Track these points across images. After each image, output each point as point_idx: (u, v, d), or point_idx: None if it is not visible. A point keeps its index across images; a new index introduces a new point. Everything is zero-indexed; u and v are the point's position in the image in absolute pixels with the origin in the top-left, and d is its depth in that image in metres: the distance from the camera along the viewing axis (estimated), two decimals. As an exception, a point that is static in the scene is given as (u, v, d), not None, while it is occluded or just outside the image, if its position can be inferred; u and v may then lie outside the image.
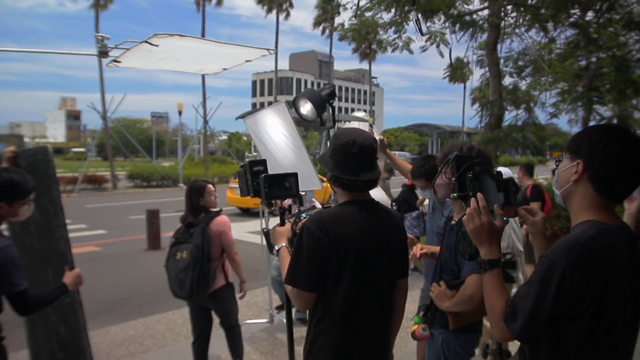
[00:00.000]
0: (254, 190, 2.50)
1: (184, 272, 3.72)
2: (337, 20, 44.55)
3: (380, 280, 2.19)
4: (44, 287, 3.08)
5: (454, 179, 1.82)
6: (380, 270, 2.17)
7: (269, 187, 2.40)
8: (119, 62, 3.67)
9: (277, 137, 4.31)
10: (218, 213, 4.01)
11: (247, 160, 2.79)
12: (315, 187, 4.19)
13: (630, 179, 1.56)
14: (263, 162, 2.55)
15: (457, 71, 43.64)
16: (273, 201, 2.49)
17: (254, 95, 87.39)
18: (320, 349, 2.14)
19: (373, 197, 2.29)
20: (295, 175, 2.47)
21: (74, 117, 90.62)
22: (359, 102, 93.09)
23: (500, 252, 1.73)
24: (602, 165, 1.53)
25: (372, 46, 43.01)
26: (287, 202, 2.63)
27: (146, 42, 3.21)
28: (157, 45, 3.25)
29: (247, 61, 3.93)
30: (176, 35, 3.11)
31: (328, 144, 4.23)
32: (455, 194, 1.82)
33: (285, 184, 2.44)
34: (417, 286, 4.30)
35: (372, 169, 2.17)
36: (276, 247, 2.40)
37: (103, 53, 3.45)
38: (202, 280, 3.74)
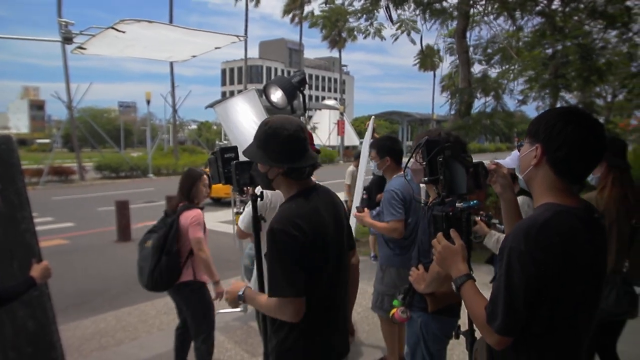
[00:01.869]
0: (225, 177, 2.47)
1: (143, 261, 3.65)
2: (307, 8, 44.32)
3: (344, 258, 2.19)
4: (10, 280, 3.00)
5: (424, 163, 1.83)
6: (343, 249, 2.18)
7: (240, 174, 2.38)
8: (84, 48, 3.57)
9: (248, 125, 4.28)
10: (194, 206, 3.86)
11: (217, 147, 2.76)
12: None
13: (588, 160, 1.59)
14: (234, 149, 2.52)
15: (428, 59, 43.99)
16: (245, 188, 2.47)
17: (223, 84, 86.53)
18: (298, 338, 2.04)
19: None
20: None
21: (37, 107, 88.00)
22: (329, 90, 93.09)
23: (467, 267, 1.76)
24: (560, 148, 1.55)
25: (342, 34, 42.90)
26: (259, 188, 2.61)
27: (112, 28, 3.12)
28: (123, 32, 3.17)
29: (216, 48, 3.87)
30: (144, 22, 3.03)
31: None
32: (426, 178, 1.84)
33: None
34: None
35: (308, 153, 2.08)
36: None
37: (67, 39, 3.37)
38: (158, 272, 3.62)
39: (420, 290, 2.52)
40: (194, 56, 4.23)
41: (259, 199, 2.47)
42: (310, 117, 36.91)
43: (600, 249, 1.61)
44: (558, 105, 11.25)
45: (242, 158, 2.50)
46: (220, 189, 13.39)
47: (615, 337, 3.30)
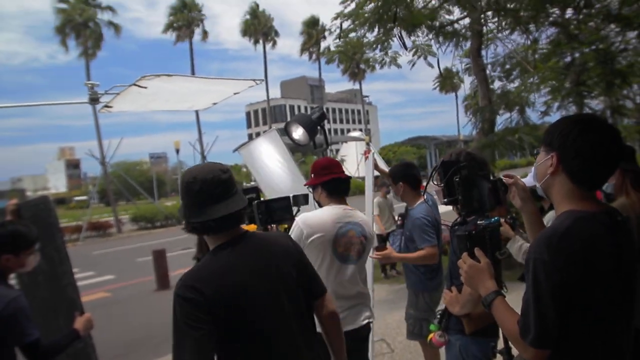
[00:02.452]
0: (249, 217, 2.52)
1: None
2: (324, 44, 45.19)
3: (286, 317, 1.96)
4: (55, 335, 3.09)
5: (442, 184, 1.86)
6: (282, 306, 1.94)
7: (263, 213, 2.42)
8: (110, 107, 3.76)
9: (272, 164, 4.37)
10: None
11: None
12: (314, 208, 4.22)
13: (604, 166, 1.58)
14: (255, 190, 2.59)
15: (447, 80, 44.03)
16: (269, 226, 2.51)
17: (249, 126, 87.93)
18: None
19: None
20: (287, 198, 2.50)
21: (73, 166, 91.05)
22: (353, 122, 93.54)
23: (495, 284, 1.73)
24: (576, 157, 1.55)
25: (360, 66, 43.44)
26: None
27: (135, 84, 3.29)
28: (145, 87, 3.33)
29: (235, 93, 4.01)
30: (163, 76, 3.18)
31: None
32: (445, 199, 1.86)
33: (278, 208, 2.46)
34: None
35: (221, 205, 1.87)
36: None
37: (94, 100, 3.54)
38: None
39: (455, 312, 2.50)
40: (214, 103, 4.38)
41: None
42: (337, 151, 37.12)
43: (627, 251, 1.58)
44: (584, 112, 11.16)
45: (266, 197, 2.58)
46: (252, 229, 13.51)
47: None
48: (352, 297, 3.09)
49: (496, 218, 1.84)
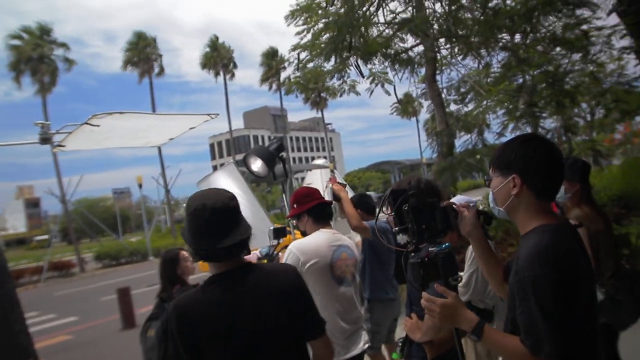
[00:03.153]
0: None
1: (151, 352, 3.62)
2: (284, 74, 45.64)
3: (277, 356, 1.94)
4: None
5: (392, 213, 1.88)
6: (275, 344, 1.93)
7: None
8: (63, 146, 3.69)
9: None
10: (189, 287, 3.74)
11: None
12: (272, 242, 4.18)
13: (557, 177, 1.73)
14: None
15: (407, 105, 44.91)
16: None
17: (213, 158, 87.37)
18: None
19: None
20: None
21: (33, 204, 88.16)
22: (317, 149, 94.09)
23: (474, 316, 1.74)
24: (536, 173, 1.67)
25: (322, 94, 43.95)
26: (256, 253, 2.66)
27: (86, 123, 3.26)
28: (98, 126, 3.30)
29: (191, 128, 4.01)
30: (115, 114, 3.16)
31: (284, 197, 4.29)
32: (396, 228, 1.89)
33: None
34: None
35: (229, 232, 1.90)
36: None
37: (45, 140, 3.48)
38: None
39: (416, 339, 2.51)
40: (171, 139, 4.36)
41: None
42: (303, 179, 37.15)
43: (588, 257, 1.70)
44: (539, 131, 11.52)
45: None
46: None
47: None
48: (353, 321, 3.17)
49: (447, 244, 1.88)
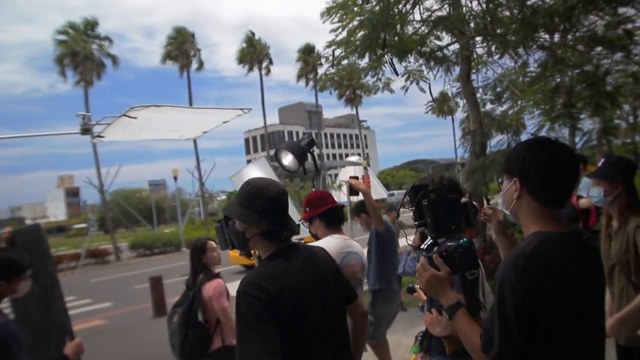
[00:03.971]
0: (232, 243, 2.58)
1: (174, 336, 3.75)
2: (320, 70, 45.70)
3: (332, 316, 2.13)
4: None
5: (412, 208, 1.93)
6: (327, 309, 2.10)
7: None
8: (102, 137, 3.86)
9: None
10: (215, 276, 3.94)
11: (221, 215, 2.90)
12: (302, 234, 4.28)
13: (564, 183, 1.66)
14: None
15: (444, 104, 44.40)
16: (252, 251, 2.58)
17: (247, 152, 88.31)
18: None
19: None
20: None
21: (72, 194, 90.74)
22: (352, 146, 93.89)
23: (457, 295, 1.80)
24: (535, 178, 1.63)
25: (357, 91, 43.87)
26: None
27: (125, 115, 3.40)
28: (135, 118, 3.43)
29: (224, 122, 4.12)
30: (152, 106, 3.29)
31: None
32: (416, 222, 1.94)
33: None
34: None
35: (288, 217, 2.13)
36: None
37: (86, 130, 3.64)
38: (188, 345, 3.70)
39: (435, 333, 2.54)
40: (205, 132, 4.49)
41: None
42: (336, 176, 37.18)
43: (593, 270, 1.65)
44: (576, 133, 11.28)
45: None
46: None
47: None
48: None
49: (465, 239, 1.91)
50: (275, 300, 1.89)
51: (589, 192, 6.43)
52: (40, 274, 3.21)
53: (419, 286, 2.75)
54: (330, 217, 3.26)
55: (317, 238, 3.31)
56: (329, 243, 3.14)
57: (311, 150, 3.97)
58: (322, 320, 2.06)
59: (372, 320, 4.73)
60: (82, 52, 28.22)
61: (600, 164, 3.19)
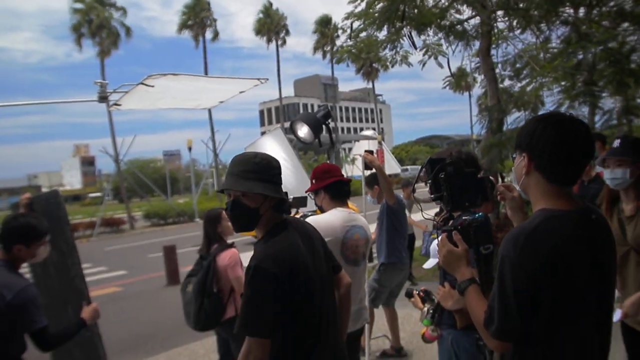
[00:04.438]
0: None
1: (189, 306, 3.80)
2: (338, 42, 45.12)
3: (327, 284, 2.21)
4: (66, 323, 3.22)
5: (429, 181, 1.92)
6: (325, 276, 2.18)
7: None
8: (119, 105, 3.87)
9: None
10: (228, 246, 3.97)
11: None
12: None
13: (573, 160, 1.61)
14: None
15: (461, 79, 43.79)
16: None
17: (262, 124, 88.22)
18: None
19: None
20: (284, 194, 2.58)
21: (88, 163, 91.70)
22: (367, 120, 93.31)
23: (471, 272, 1.81)
24: (542, 153, 1.59)
25: (374, 64, 43.40)
26: None
27: (142, 83, 3.39)
28: (152, 86, 3.43)
29: (241, 92, 4.10)
30: (169, 75, 3.28)
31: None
32: (432, 195, 1.93)
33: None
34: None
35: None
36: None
37: (103, 98, 3.65)
38: (203, 314, 3.76)
39: (448, 307, 2.55)
40: (221, 102, 4.47)
41: None
42: (350, 149, 37.06)
43: (600, 249, 1.61)
44: (596, 112, 11.06)
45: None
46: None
47: None
48: (358, 300, 3.24)
49: (481, 214, 1.90)
50: (289, 274, 1.92)
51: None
52: (58, 240, 3.26)
53: (417, 292, 2.79)
54: (336, 190, 3.25)
55: (323, 210, 3.32)
56: (334, 216, 3.15)
57: (327, 122, 3.94)
58: (321, 293, 2.10)
59: (376, 287, 4.98)
60: (97, 20, 28.13)
61: (616, 144, 2.98)
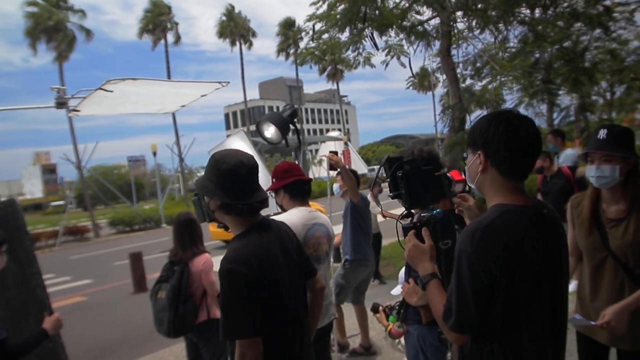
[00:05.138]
0: (209, 216, 2.57)
1: (162, 312, 3.75)
2: (301, 44, 45.20)
3: (298, 287, 2.23)
4: (25, 335, 3.14)
5: (388, 179, 1.96)
6: (294, 285, 2.18)
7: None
8: (77, 110, 3.79)
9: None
10: (201, 252, 3.95)
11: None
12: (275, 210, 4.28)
13: (526, 155, 1.67)
14: None
15: (424, 80, 44.44)
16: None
17: (227, 127, 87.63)
18: None
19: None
20: None
21: (49, 171, 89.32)
22: (332, 122, 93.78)
23: (434, 267, 1.84)
24: (498, 150, 1.63)
25: (338, 66, 43.60)
26: None
27: (100, 88, 3.34)
28: (111, 91, 3.37)
29: (202, 96, 4.07)
30: (128, 80, 3.23)
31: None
32: (391, 194, 1.96)
33: None
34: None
35: (259, 188, 2.14)
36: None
37: (61, 104, 3.57)
38: (178, 320, 3.73)
39: (412, 303, 2.60)
40: (183, 106, 4.43)
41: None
42: (316, 151, 37.18)
43: (553, 243, 1.66)
44: (554, 110, 11.40)
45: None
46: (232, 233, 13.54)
47: None
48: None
49: (439, 210, 1.95)
50: (260, 276, 1.94)
51: (575, 163, 6.43)
52: (16, 249, 3.19)
53: (382, 307, 2.84)
54: (296, 189, 3.26)
55: (284, 209, 3.34)
56: (294, 215, 3.16)
57: (294, 122, 3.94)
58: (291, 295, 2.13)
59: (341, 283, 5.07)
60: (51, 23, 27.35)
61: (602, 135, 2.51)
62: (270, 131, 3.78)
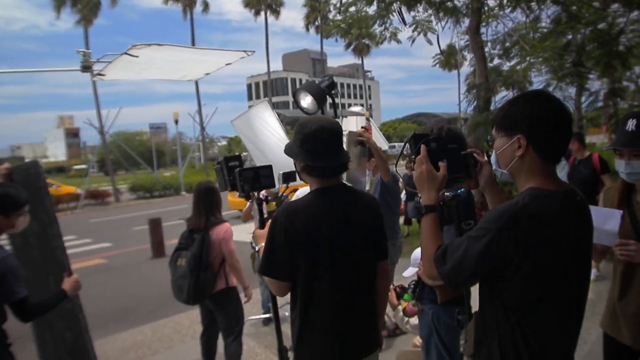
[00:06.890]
0: (231, 184, 2.60)
1: (182, 279, 3.81)
2: (329, 16, 44.48)
3: (358, 266, 2.20)
4: (45, 294, 3.20)
5: (413, 156, 1.90)
6: (358, 255, 2.18)
7: (245, 180, 2.51)
8: (103, 74, 3.78)
9: (263, 134, 4.42)
10: (221, 221, 4.00)
11: (221, 157, 2.90)
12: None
13: (565, 136, 1.63)
14: (238, 158, 2.66)
15: (450, 57, 43.64)
16: (250, 193, 2.59)
17: (250, 98, 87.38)
18: (309, 339, 2.16)
19: None
20: (269, 167, 2.59)
21: (73, 134, 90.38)
22: (355, 97, 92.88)
23: (437, 199, 1.81)
24: (543, 133, 1.58)
25: (364, 40, 43.01)
26: (264, 193, 2.73)
27: (126, 53, 3.32)
28: (137, 56, 3.35)
29: (227, 64, 4.02)
30: (154, 45, 3.20)
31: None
32: (414, 171, 1.92)
33: (261, 176, 2.55)
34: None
35: (341, 151, 2.19)
36: (256, 248, 2.42)
37: (86, 67, 3.57)
38: (198, 288, 3.79)
39: (429, 282, 2.59)
40: (207, 74, 4.40)
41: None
42: (337, 125, 36.77)
43: (584, 231, 1.64)
44: (583, 93, 11.09)
45: (247, 165, 2.64)
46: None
47: None
48: None
49: (463, 190, 1.91)
50: (299, 230, 2.04)
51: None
52: (38, 210, 3.23)
53: (392, 287, 2.79)
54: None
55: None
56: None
57: (332, 93, 3.87)
58: (351, 265, 2.16)
59: None
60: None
61: (631, 126, 2.35)
62: (307, 101, 3.72)
